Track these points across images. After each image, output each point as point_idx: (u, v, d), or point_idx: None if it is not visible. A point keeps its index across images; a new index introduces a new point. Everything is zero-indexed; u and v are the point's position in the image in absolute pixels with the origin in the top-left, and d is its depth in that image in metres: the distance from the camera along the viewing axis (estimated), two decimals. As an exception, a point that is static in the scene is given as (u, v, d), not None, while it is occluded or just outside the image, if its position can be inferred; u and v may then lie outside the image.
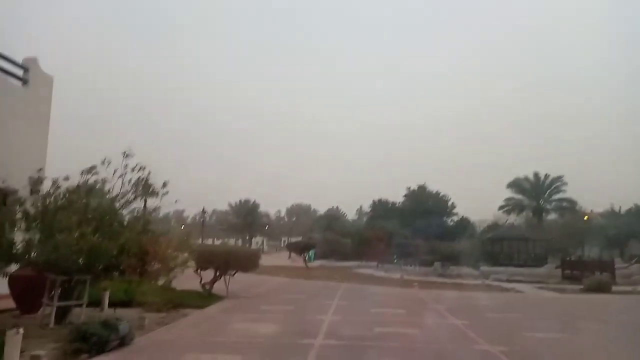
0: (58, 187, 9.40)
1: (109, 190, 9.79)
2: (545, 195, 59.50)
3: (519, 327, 10.55)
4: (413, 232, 52.07)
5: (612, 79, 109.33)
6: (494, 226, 67.06)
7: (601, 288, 19.98)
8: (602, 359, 7.60)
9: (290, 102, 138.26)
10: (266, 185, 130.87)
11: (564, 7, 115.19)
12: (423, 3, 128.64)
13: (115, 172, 9.56)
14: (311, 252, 43.46)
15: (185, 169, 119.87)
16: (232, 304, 13.43)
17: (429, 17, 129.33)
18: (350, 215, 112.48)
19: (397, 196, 71.24)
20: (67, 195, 9.39)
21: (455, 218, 65.40)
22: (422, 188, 67.21)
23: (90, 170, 9.25)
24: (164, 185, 10.02)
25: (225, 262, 14.85)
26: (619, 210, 64.33)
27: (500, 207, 61.73)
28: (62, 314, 8.98)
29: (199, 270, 15.20)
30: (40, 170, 10.58)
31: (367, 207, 79.43)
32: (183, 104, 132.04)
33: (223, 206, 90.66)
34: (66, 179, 9.35)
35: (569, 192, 58.51)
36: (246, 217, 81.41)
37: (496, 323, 11.23)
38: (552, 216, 62.05)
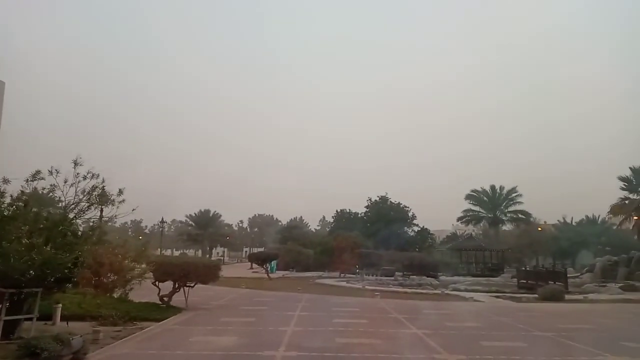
0: (2, 194, 8.95)
1: (59, 199, 9.42)
2: (502, 207, 61.42)
3: (477, 336, 10.77)
4: (375, 242, 52.64)
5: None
6: (452, 237, 68.75)
7: (555, 297, 20.70)
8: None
9: (256, 104, 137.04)
10: (228, 194, 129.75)
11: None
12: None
13: (66, 181, 9.20)
14: (273, 263, 43.11)
15: (144, 176, 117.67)
16: (191, 316, 13.14)
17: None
18: (313, 225, 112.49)
19: (359, 207, 71.70)
20: (15, 203, 8.97)
21: (416, 228, 66.38)
22: (383, 199, 68.02)
23: (35, 176, 8.85)
24: (120, 192, 9.73)
25: (185, 274, 14.55)
26: (571, 222, 67.06)
27: (459, 218, 63.35)
28: (10, 329, 8.54)
29: (157, 282, 14.82)
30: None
31: (330, 218, 79.73)
32: (141, 103, 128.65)
33: (183, 216, 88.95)
34: (5, 181, 8.86)
35: (524, 204, 60.71)
36: (206, 227, 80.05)
37: (456, 332, 11.43)
38: (508, 227, 64.10)
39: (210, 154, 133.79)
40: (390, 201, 67.90)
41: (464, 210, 62.23)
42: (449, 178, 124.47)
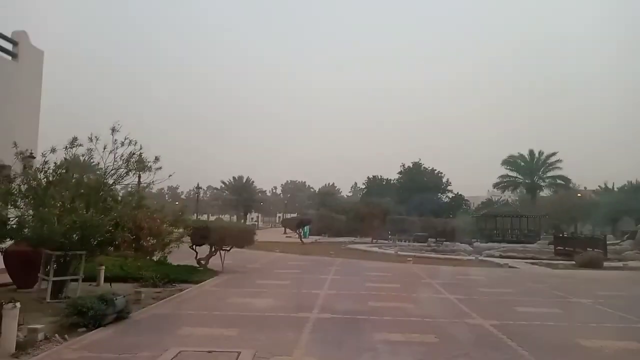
0: (46, 162, 9.30)
1: (98, 165, 9.71)
2: (540, 172, 59.72)
3: (511, 302, 10.72)
4: (408, 209, 52.44)
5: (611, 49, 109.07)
6: (488, 203, 67.78)
7: (593, 264, 20.26)
8: (588, 333, 7.75)
9: (287, 72, 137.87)
10: (261, 161, 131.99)
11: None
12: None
13: (105, 147, 9.46)
14: (306, 228, 43.71)
15: (180, 144, 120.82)
16: (228, 278, 13.54)
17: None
18: (345, 191, 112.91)
19: (391, 173, 71.52)
20: (57, 170, 9.31)
21: (450, 195, 65.76)
22: (416, 165, 67.35)
23: (72, 143, 9.12)
24: (157, 159, 9.94)
25: (221, 238, 14.92)
26: (612, 187, 64.81)
27: (495, 185, 62.08)
28: (58, 289, 9.02)
29: (194, 246, 15.28)
30: (29, 147, 10.50)
31: (361, 184, 79.71)
32: (178, 74, 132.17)
33: (217, 183, 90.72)
34: (53, 150, 9.21)
35: (563, 169, 58.88)
36: (241, 193, 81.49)
37: (489, 298, 11.40)
38: (545, 193, 62.51)
39: (243, 122, 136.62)
40: (424, 167, 67.24)
41: (501, 176, 61.00)
42: (485, 143, 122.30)
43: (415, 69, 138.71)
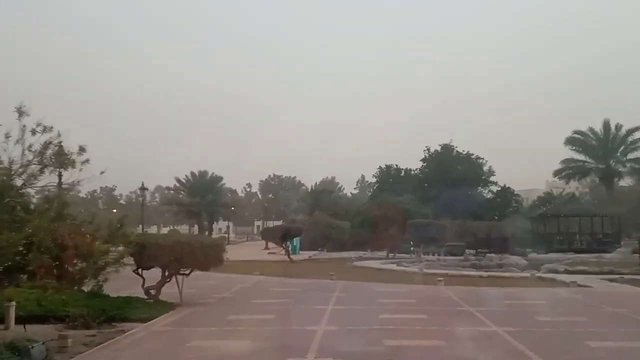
0: None
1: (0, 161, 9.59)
2: (618, 154, 59.48)
3: (582, 335, 10.78)
4: (436, 209, 52.50)
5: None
6: (546, 198, 67.96)
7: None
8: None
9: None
10: (230, 151, 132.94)
11: None
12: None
13: (7, 135, 9.31)
14: (296, 241, 43.70)
15: (118, 132, 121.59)
16: (187, 313, 13.53)
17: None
18: (349, 188, 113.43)
19: (412, 161, 71.79)
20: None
21: (495, 188, 66.02)
22: (447, 148, 67.38)
23: None
24: (82, 150, 9.83)
25: (176, 258, 14.85)
26: None
27: (556, 172, 62.02)
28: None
29: (139, 270, 15.22)
30: None
31: (371, 177, 79.85)
32: (115, 52, 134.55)
33: (171, 181, 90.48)
34: None
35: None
36: (204, 195, 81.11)
37: (552, 329, 11.45)
38: (626, 182, 62.63)
39: (204, 107, 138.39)
40: (457, 151, 67.30)
41: (563, 161, 60.79)
42: (541, 118, 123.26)
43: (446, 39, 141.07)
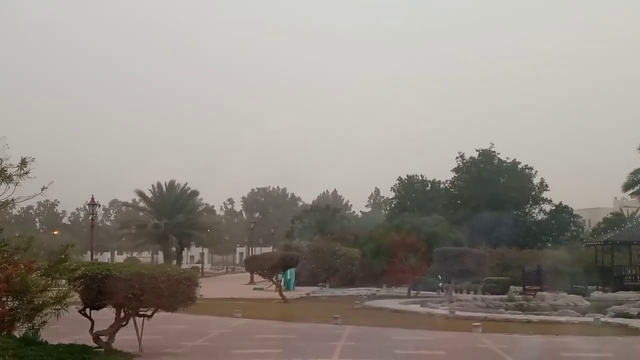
0: None
1: None
2: None
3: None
4: (472, 234, 52.43)
5: None
6: (614, 220, 67.90)
7: None
8: None
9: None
10: (208, 163, 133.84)
11: None
12: None
13: None
14: (290, 273, 43.66)
15: (64, 143, 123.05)
16: (149, 367, 13.48)
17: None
18: (359, 205, 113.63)
19: (440, 171, 71.91)
20: None
21: (548, 207, 65.99)
22: (486, 155, 67.43)
23: None
24: (23, 163, 9.86)
25: (136, 295, 14.80)
26: None
27: (627, 187, 62.02)
28: None
29: (87, 310, 15.17)
30: None
31: (388, 191, 79.86)
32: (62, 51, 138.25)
33: (129, 195, 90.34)
34: None
35: None
36: (172, 213, 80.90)
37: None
38: None
39: (176, 116, 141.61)
40: (499, 158, 67.31)
41: (635, 172, 60.84)
42: (608, 123, 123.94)
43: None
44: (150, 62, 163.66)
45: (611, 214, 72.99)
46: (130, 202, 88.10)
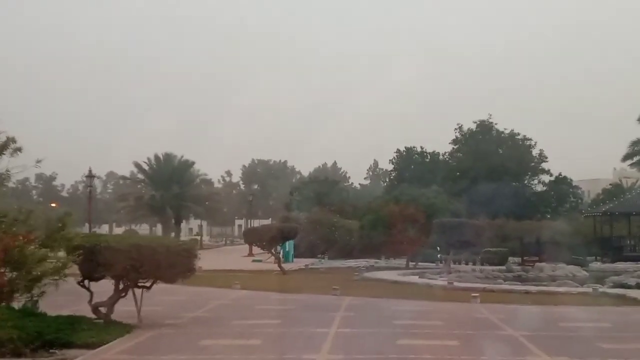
0: None
1: None
2: None
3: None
4: (471, 205, 52.43)
5: None
6: (614, 191, 67.88)
7: None
8: None
9: None
10: (205, 132, 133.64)
11: None
12: None
13: None
14: (289, 245, 43.72)
15: (60, 111, 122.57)
16: (148, 337, 13.54)
17: None
18: (358, 178, 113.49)
19: (439, 143, 71.74)
20: None
21: (547, 178, 66.00)
22: (485, 127, 67.37)
23: None
24: (9, 142, 9.79)
25: (135, 266, 14.81)
26: None
27: (626, 157, 61.96)
28: None
29: (86, 282, 15.19)
30: None
31: (386, 163, 79.75)
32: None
33: (126, 167, 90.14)
34: None
35: None
36: (170, 185, 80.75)
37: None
38: None
39: (170, 81, 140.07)
40: (497, 129, 67.23)
41: (635, 142, 60.75)
42: (608, 91, 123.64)
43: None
44: (144, 29, 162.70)
45: (610, 184, 72.96)
46: (128, 174, 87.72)
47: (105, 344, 12.48)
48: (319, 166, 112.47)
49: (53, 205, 68.90)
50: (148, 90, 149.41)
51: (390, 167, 75.12)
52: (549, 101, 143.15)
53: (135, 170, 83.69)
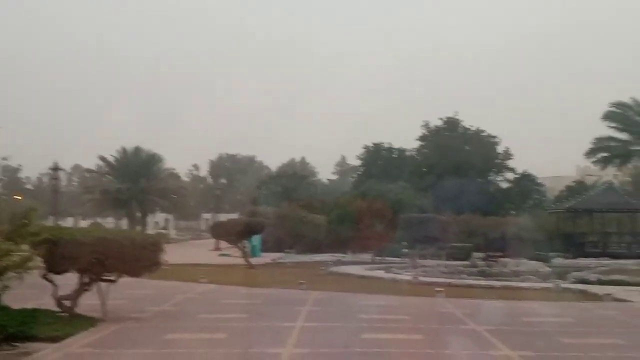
0: None
1: None
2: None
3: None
4: (437, 201, 52.72)
5: None
6: (577, 188, 68.52)
7: None
8: None
9: None
10: (172, 125, 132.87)
11: None
12: None
13: None
14: (256, 240, 43.60)
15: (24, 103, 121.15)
16: (113, 331, 13.47)
17: None
18: (325, 172, 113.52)
19: (406, 139, 71.88)
20: None
21: (511, 175, 66.52)
22: (451, 124, 67.76)
23: None
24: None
25: (100, 259, 14.71)
26: None
27: (589, 153, 62.46)
28: None
29: (51, 275, 15.06)
30: None
31: (354, 159, 79.93)
32: None
33: (93, 160, 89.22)
34: None
35: None
36: (136, 178, 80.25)
37: (581, 356, 11.71)
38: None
39: (135, 73, 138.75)
40: (464, 126, 67.64)
41: (599, 139, 61.25)
42: (573, 88, 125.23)
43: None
44: (111, 20, 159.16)
45: (573, 182, 73.68)
46: (94, 167, 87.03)
47: (69, 338, 12.40)
48: (288, 161, 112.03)
49: (17, 197, 68.05)
50: (116, 82, 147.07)
51: (358, 162, 75.21)
52: (516, 99, 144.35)
53: (101, 163, 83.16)
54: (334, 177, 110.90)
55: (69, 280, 15.08)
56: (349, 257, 41.84)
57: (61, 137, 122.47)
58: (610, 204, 47.98)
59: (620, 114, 60.40)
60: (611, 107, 60.52)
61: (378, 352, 11.47)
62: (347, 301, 19.90)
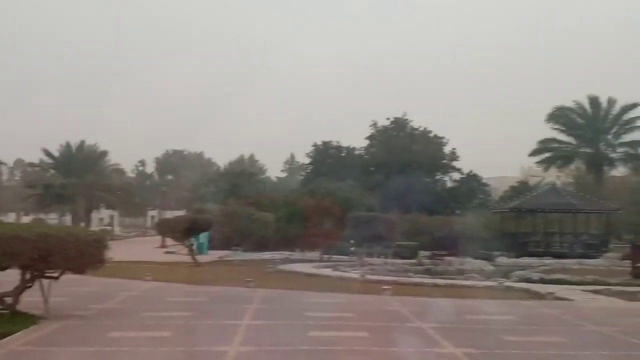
0: None
1: None
2: (610, 136, 61.33)
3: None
4: (384, 200, 53.02)
5: None
6: (520, 189, 69.58)
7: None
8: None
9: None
10: (116, 117, 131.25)
11: None
12: None
13: None
14: (203, 237, 43.35)
15: None
16: (56, 329, 13.28)
17: None
18: (274, 170, 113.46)
19: (355, 138, 72.16)
20: None
21: (457, 175, 67.24)
22: (399, 123, 68.26)
23: None
24: None
25: (42, 256, 14.48)
26: None
27: (533, 153, 63.43)
28: None
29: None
30: None
31: (302, 157, 79.96)
32: None
33: (36, 154, 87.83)
34: None
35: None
36: (81, 174, 79.29)
37: (524, 352, 11.86)
38: (620, 171, 64.63)
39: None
40: (412, 126, 68.21)
41: (542, 141, 62.32)
42: (518, 91, 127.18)
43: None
44: (56, 15, 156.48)
45: (517, 182, 74.80)
46: (37, 161, 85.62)
47: (10, 335, 12.21)
48: (236, 158, 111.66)
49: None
50: (59, 76, 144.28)
51: (307, 160, 75.23)
52: (463, 99, 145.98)
53: (45, 157, 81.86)
54: (283, 174, 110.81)
55: (10, 277, 14.83)
56: (297, 255, 41.81)
57: (3, 130, 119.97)
58: (553, 204, 48.74)
59: (563, 116, 61.39)
60: (554, 110, 61.48)
61: (324, 350, 11.49)
62: (294, 299, 19.88)
